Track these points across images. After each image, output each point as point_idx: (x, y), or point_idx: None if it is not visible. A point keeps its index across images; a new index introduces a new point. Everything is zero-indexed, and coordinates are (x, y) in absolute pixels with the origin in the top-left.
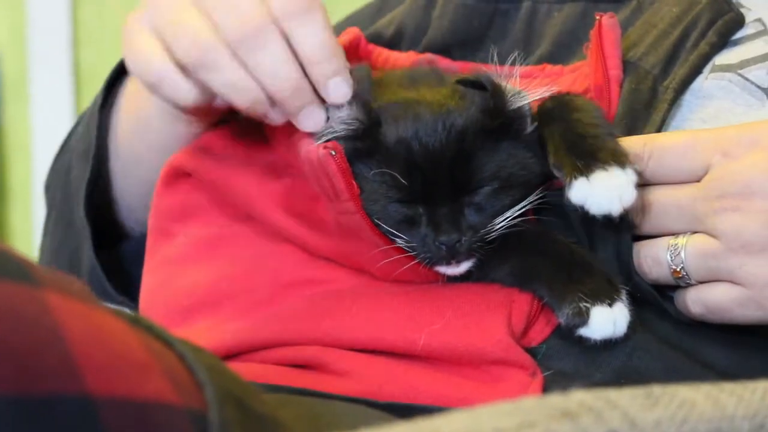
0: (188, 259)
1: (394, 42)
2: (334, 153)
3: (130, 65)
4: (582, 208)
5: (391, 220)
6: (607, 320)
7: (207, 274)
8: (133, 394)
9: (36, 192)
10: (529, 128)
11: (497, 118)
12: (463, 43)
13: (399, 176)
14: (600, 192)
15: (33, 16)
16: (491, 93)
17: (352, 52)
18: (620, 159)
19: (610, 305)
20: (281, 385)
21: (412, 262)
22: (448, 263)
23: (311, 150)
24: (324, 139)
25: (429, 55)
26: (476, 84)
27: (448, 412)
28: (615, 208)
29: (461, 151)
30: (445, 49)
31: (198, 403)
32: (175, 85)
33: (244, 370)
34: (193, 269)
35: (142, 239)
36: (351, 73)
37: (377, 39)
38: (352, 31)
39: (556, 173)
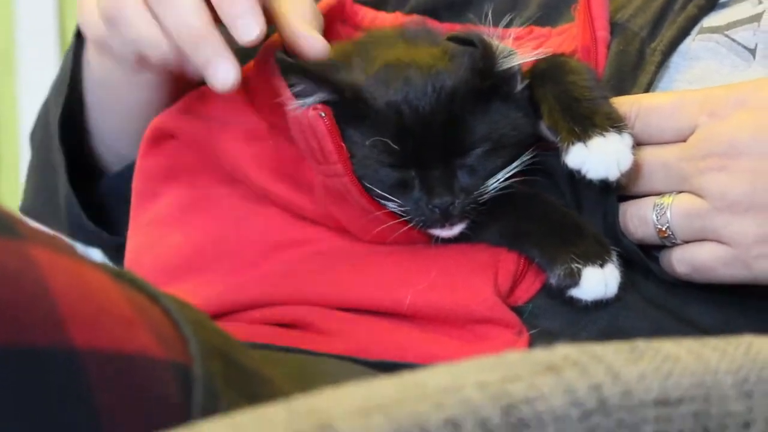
0: (174, 220)
1: (379, 3)
2: (323, 114)
3: (80, 18)
4: (579, 172)
5: (383, 185)
6: (599, 281)
7: (193, 236)
8: (117, 347)
9: (24, 164)
10: (519, 87)
11: (487, 78)
12: (450, 4)
13: (390, 141)
14: (598, 158)
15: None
16: (481, 53)
17: (337, 13)
18: (617, 123)
19: (602, 266)
20: (268, 343)
21: (405, 227)
22: (442, 226)
23: (300, 111)
24: (311, 101)
25: (417, 17)
26: (467, 41)
27: (433, 367)
28: (612, 173)
29: (452, 114)
30: (431, 10)
31: (182, 356)
32: (106, 43)
33: (231, 329)
34: (179, 230)
35: (120, 175)
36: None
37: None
38: None
39: (551, 135)
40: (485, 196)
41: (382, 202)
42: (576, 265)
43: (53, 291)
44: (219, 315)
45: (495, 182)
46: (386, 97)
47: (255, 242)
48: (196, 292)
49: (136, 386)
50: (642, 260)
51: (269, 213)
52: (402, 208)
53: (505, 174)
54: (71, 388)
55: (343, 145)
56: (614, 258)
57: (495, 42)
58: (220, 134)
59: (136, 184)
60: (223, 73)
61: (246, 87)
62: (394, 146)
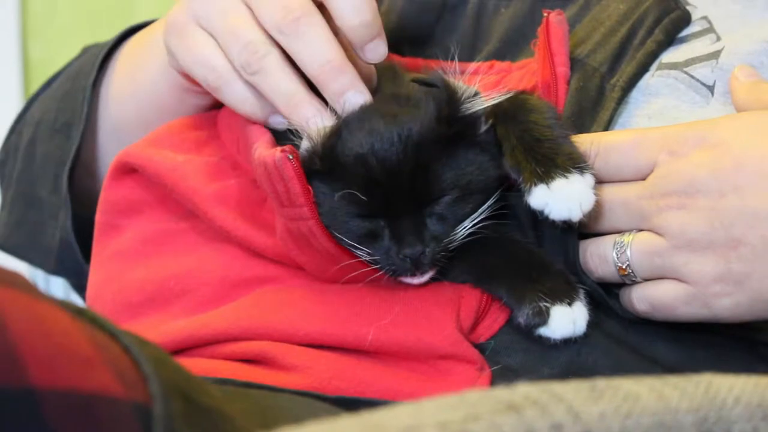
0: (136, 255)
1: None
2: (291, 157)
3: (187, 64)
4: (542, 213)
5: (353, 235)
6: (567, 319)
7: (155, 271)
8: (76, 386)
9: None
10: (483, 128)
11: (453, 125)
12: (412, 38)
13: (359, 193)
14: (561, 199)
15: None
16: (446, 98)
17: None
18: (578, 163)
19: (570, 305)
20: (229, 378)
21: (375, 274)
22: (413, 274)
23: (267, 153)
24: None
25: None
26: (431, 84)
27: (394, 405)
28: (575, 214)
29: (419, 162)
30: (395, 45)
31: (142, 396)
32: (235, 92)
33: (192, 364)
34: (140, 265)
35: None
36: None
37: None
38: None
39: (513, 175)
40: (455, 243)
41: (352, 250)
42: (544, 303)
43: (11, 330)
44: (181, 350)
45: (465, 228)
46: (353, 150)
47: (217, 278)
48: (158, 328)
49: (95, 425)
50: (603, 298)
51: (230, 249)
52: (372, 257)
53: (474, 219)
54: (30, 428)
55: (310, 188)
56: (582, 296)
57: (458, 84)
58: (183, 170)
59: (99, 216)
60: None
61: (215, 122)
62: (363, 197)
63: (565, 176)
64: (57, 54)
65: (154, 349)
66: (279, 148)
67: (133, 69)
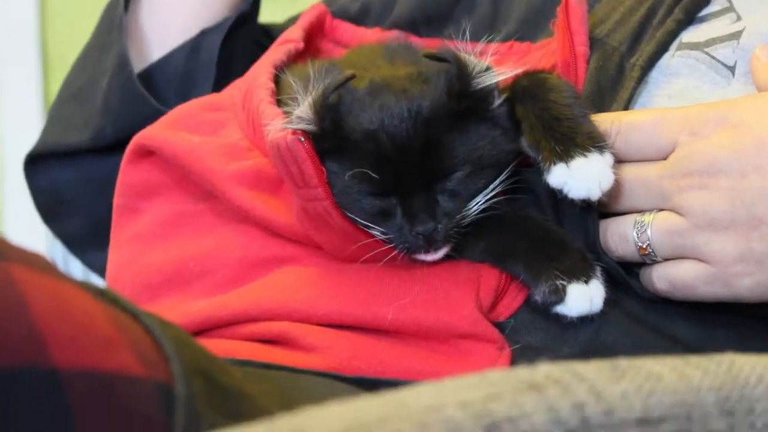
0: (155, 237)
1: (359, 18)
2: (302, 139)
3: None
4: (561, 192)
5: (365, 214)
6: (584, 297)
7: (174, 253)
8: (98, 367)
9: (4, 183)
10: (497, 102)
11: (463, 100)
12: (429, 20)
13: (370, 171)
14: (580, 178)
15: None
16: (456, 73)
17: (318, 28)
18: (598, 142)
19: (586, 282)
20: (249, 359)
21: (390, 253)
22: (426, 251)
23: (279, 136)
24: (289, 126)
25: (396, 32)
26: (441, 59)
27: (415, 385)
28: (594, 193)
29: (430, 139)
30: (412, 26)
31: (164, 376)
32: None
33: (213, 345)
34: (160, 247)
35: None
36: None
37: (343, 14)
38: (318, 8)
39: (532, 154)
40: (468, 219)
41: (366, 228)
42: (561, 281)
43: (33, 310)
44: (201, 331)
45: (477, 204)
46: (363, 127)
47: (235, 259)
48: (178, 309)
49: (117, 405)
50: (622, 277)
51: (249, 230)
52: (385, 236)
53: (487, 195)
54: (52, 408)
55: (323, 168)
56: (599, 274)
57: (470, 59)
58: (199, 152)
59: (117, 199)
60: None
61: (230, 103)
62: (374, 175)
63: (584, 155)
64: (76, 43)
65: (175, 330)
66: (290, 130)
67: None
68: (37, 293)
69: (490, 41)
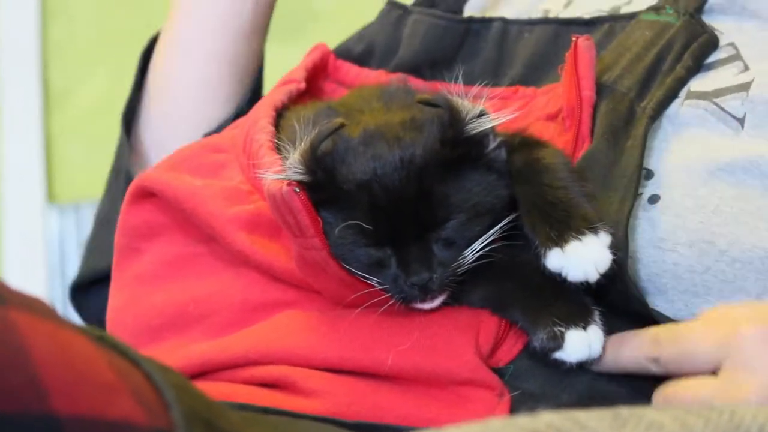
0: (155, 279)
1: (363, 59)
2: (297, 190)
3: None
4: (560, 275)
5: (361, 264)
6: (583, 343)
7: (174, 295)
8: (99, 414)
9: (1, 212)
10: (492, 146)
11: (457, 146)
12: (434, 62)
13: (363, 222)
14: (576, 262)
15: (1, 34)
16: (449, 119)
17: (321, 69)
18: (593, 224)
19: (585, 328)
20: (249, 403)
21: (389, 303)
22: (423, 300)
23: (275, 186)
24: (284, 176)
25: (400, 75)
26: (435, 105)
27: (414, 431)
28: (591, 275)
29: (423, 187)
30: (416, 68)
31: (164, 422)
32: None
33: (212, 389)
34: (160, 289)
35: None
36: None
37: (346, 55)
38: (321, 47)
39: (530, 236)
40: (464, 267)
41: (362, 278)
42: (559, 328)
43: (34, 357)
44: (200, 374)
45: (473, 251)
46: (356, 177)
47: (236, 302)
48: (177, 351)
49: None
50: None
51: (249, 274)
52: (381, 285)
53: (484, 242)
54: None
55: (319, 219)
56: (597, 318)
57: (463, 104)
58: (201, 195)
59: (118, 240)
60: None
61: (231, 144)
62: (367, 227)
63: (578, 239)
64: (77, 81)
65: (175, 376)
66: (286, 181)
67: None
68: (38, 339)
69: (494, 85)
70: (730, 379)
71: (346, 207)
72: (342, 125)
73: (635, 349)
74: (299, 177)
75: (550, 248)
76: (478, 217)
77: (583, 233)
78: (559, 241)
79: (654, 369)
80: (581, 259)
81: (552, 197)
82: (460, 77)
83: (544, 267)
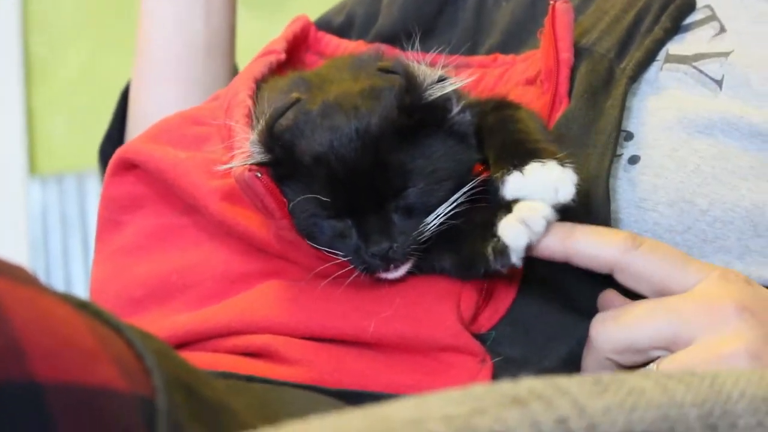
0: (138, 250)
1: (343, 30)
2: (259, 175)
3: None
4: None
5: (324, 236)
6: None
7: (157, 266)
8: (79, 380)
9: None
10: (455, 110)
11: (415, 113)
12: (412, 32)
13: (321, 195)
14: (534, 182)
15: None
16: (406, 87)
17: (301, 40)
18: (560, 159)
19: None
20: (232, 372)
21: (355, 275)
22: (386, 270)
23: (238, 171)
24: (246, 162)
25: (378, 45)
26: (393, 72)
27: (398, 398)
28: (549, 197)
29: (380, 156)
30: (394, 37)
31: (146, 389)
32: None
33: (195, 358)
34: (143, 260)
35: None
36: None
37: (327, 26)
38: (302, 19)
39: (497, 183)
40: (426, 234)
41: (328, 251)
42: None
43: (15, 323)
44: (183, 344)
45: (435, 218)
46: (313, 150)
47: (218, 273)
48: (161, 322)
49: (99, 420)
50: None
51: (232, 244)
52: (345, 257)
53: (446, 209)
54: (33, 421)
55: (285, 200)
56: None
57: (421, 69)
58: (184, 166)
59: (100, 212)
60: None
61: (213, 117)
62: (326, 199)
63: (540, 161)
64: (59, 51)
65: (156, 343)
66: (247, 167)
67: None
68: (19, 306)
69: (473, 53)
70: (710, 341)
71: (305, 180)
72: (297, 100)
73: (606, 235)
74: (259, 157)
75: (509, 173)
76: (438, 184)
77: (546, 160)
78: (519, 166)
79: (611, 263)
80: (541, 178)
81: (522, 136)
82: (417, 45)
83: (503, 199)
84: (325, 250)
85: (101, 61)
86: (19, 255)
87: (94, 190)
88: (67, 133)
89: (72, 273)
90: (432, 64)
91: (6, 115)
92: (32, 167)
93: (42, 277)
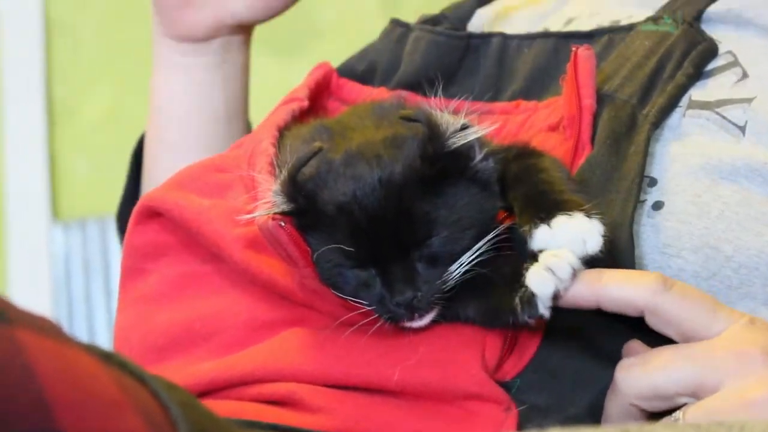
0: (162, 298)
1: (365, 77)
2: (283, 224)
3: None
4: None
5: (348, 286)
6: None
7: (180, 314)
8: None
9: (6, 229)
10: (478, 158)
11: (437, 162)
12: (434, 79)
13: (344, 245)
14: (562, 235)
15: (5, 50)
16: (429, 136)
17: (324, 87)
18: (587, 210)
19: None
20: (256, 420)
21: (379, 323)
22: (410, 319)
23: (262, 220)
24: (269, 212)
25: (401, 92)
26: (415, 120)
27: None
28: (579, 252)
29: (403, 205)
30: (417, 85)
31: None
32: None
33: (219, 406)
34: (166, 309)
35: None
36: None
37: (349, 73)
38: (324, 66)
39: (521, 231)
40: (450, 283)
41: (353, 301)
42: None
43: (40, 377)
44: (207, 392)
45: (459, 267)
46: (336, 200)
47: (242, 321)
48: (184, 370)
49: None
50: None
51: (255, 292)
52: (370, 307)
53: (470, 257)
54: None
55: (308, 249)
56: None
57: (444, 117)
58: (208, 214)
59: (124, 260)
60: None
61: (237, 165)
62: (349, 248)
63: (567, 214)
64: (81, 94)
65: (182, 394)
66: (270, 216)
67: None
68: (44, 358)
69: (495, 101)
70: (737, 388)
71: (329, 230)
72: (320, 149)
73: (636, 278)
74: (282, 207)
75: (536, 226)
76: (462, 232)
77: (573, 212)
78: (547, 219)
79: (641, 305)
80: (568, 232)
81: (546, 187)
82: (439, 92)
83: (530, 252)
84: (350, 300)
85: (123, 105)
86: (41, 300)
87: (116, 235)
88: (89, 178)
89: (95, 318)
90: (455, 112)
91: (29, 159)
92: (55, 212)
93: (64, 323)
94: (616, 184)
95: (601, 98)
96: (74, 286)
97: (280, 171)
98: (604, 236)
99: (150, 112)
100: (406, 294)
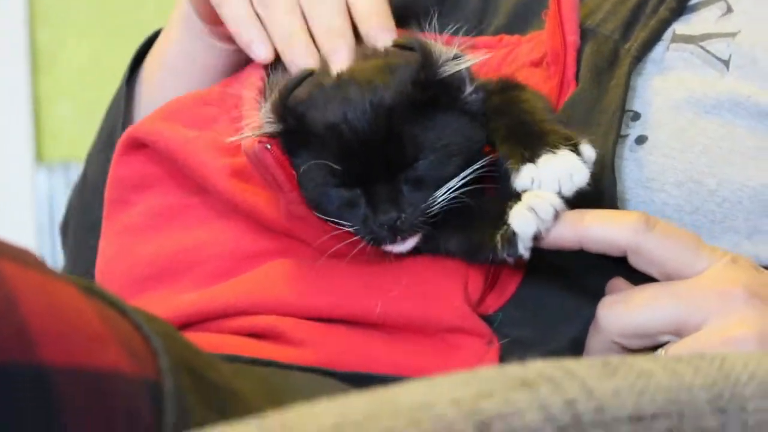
0: (146, 230)
1: None
2: (269, 147)
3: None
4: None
5: (332, 206)
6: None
7: (164, 245)
8: (87, 364)
9: None
10: (468, 90)
11: (429, 88)
12: (418, 15)
13: (332, 163)
14: (548, 173)
15: None
16: (421, 62)
17: None
18: (571, 141)
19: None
20: (237, 354)
21: (361, 245)
22: (392, 241)
23: (248, 144)
24: (256, 133)
25: None
26: (409, 47)
27: (405, 381)
28: (566, 188)
29: (393, 129)
30: (402, 19)
31: (152, 372)
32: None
33: (200, 339)
34: (150, 240)
35: None
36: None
37: None
38: None
39: (506, 167)
40: (435, 208)
41: (336, 222)
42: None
43: (23, 307)
44: (189, 324)
45: (444, 193)
46: (326, 120)
47: (226, 252)
48: (167, 301)
49: (106, 402)
50: None
51: (240, 223)
52: (353, 227)
53: (456, 183)
54: (40, 405)
55: (294, 173)
56: None
57: (437, 46)
58: (194, 145)
59: (108, 192)
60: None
61: (224, 98)
62: (337, 167)
63: (552, 152)
64: (65, 39)
65: (163, 325)
66: (257, 138)
67: (156, 49)
68: (26, 290)
69: (479, 35)
70: (719, 326)
71: (316, 149)
72: (312, 72)
73: (619, 218)
74: (270, 127)
75: (522, 164)
76: (449, 158)
77: (558, 147)
78: (532, 157)
79: (624, 245)
80: (554, 169)
81: (529, 118)
82: (435, 25)
83: (515, 190)
84: (333, 221)
85: (108, 50)
86: (25, 241)
87: None
88: (73, 121)
89: None
90: (446, 44)
91: (12, 103)
92: (39, 154)
93: (49, 261)
94: (597, 118)
95: (584, 33)
96: (57, 227)
97: (271, 92)
98: (594, 163)
99: (151, 62)
100: (390, 214)
